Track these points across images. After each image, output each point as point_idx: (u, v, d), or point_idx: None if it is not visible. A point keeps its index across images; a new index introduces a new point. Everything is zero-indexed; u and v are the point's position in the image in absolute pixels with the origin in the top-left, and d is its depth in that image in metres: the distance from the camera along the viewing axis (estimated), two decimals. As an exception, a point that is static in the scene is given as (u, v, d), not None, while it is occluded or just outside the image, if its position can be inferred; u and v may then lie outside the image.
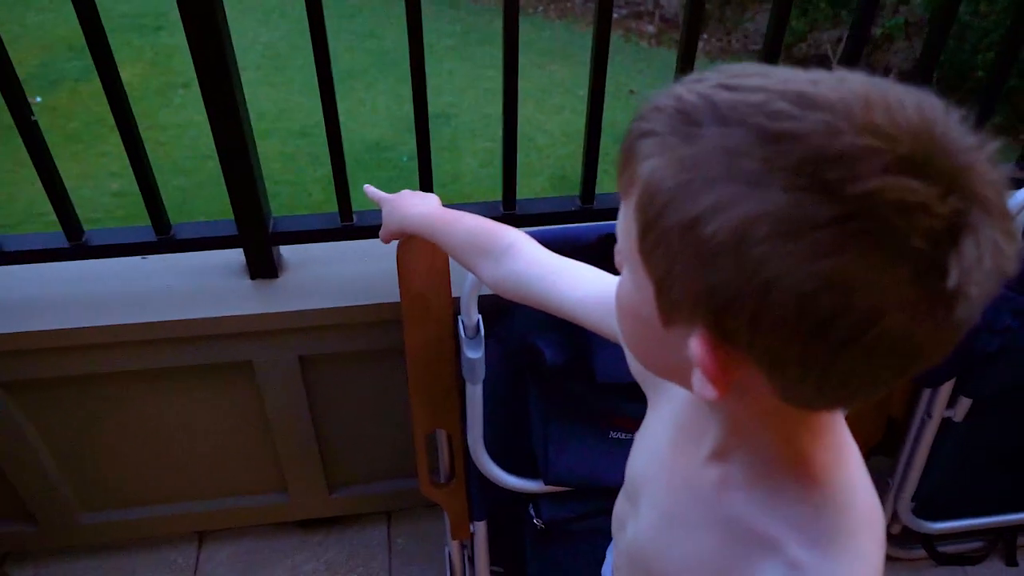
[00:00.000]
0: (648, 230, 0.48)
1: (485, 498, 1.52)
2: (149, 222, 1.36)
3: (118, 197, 4.68)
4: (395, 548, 1.79)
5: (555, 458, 1.45)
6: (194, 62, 1.17)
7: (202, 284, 1.43)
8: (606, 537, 1.16)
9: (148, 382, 1.50)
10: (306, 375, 1.52)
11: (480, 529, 1.55)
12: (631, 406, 1.44)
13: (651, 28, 6.54)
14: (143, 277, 1.43)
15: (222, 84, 1.20)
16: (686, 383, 0.54)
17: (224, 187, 1.32)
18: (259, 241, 1.40)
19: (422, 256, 1.34)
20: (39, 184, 1.30)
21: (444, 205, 1.16)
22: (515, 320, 1.39)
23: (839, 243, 0.42)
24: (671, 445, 0.71)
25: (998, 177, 0.44)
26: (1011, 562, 1.86)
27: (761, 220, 0.43)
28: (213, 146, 1.26)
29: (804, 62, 7.08)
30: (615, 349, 1.38)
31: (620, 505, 0.84)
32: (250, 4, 6.70)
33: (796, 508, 0.58)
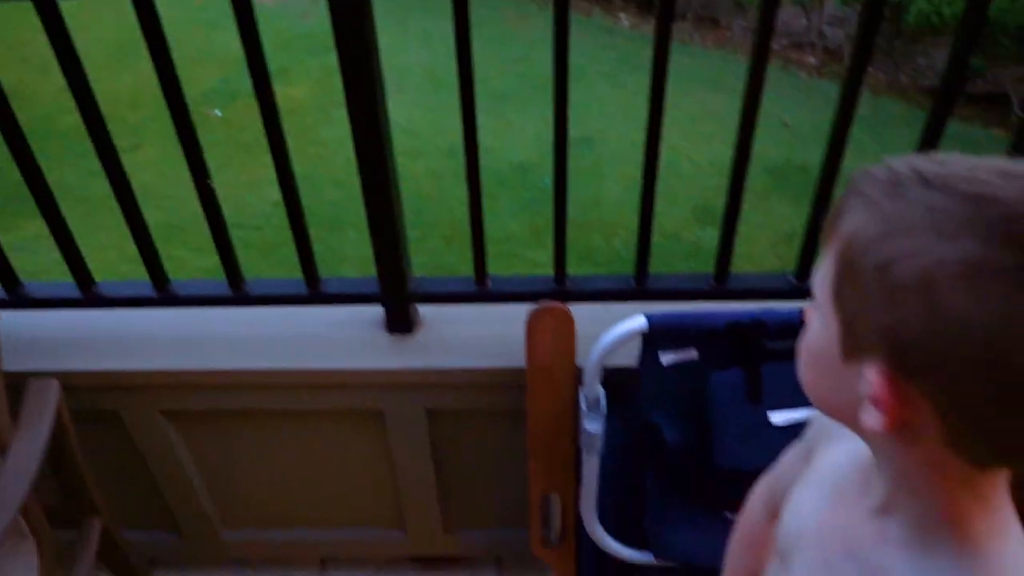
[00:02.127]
0: (843, 272, 0.56)
1: (594, 564, 1.54)
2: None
3: (277, 207, 5.02)
4: (504, 595, 1.84)
5: (667, 535, 1.45)
6: (357, 155, 1.25)
7: (344, 336, 1.53)
8: (714, 612, 1.15)
9: (288, 420, 1.61)
10: (432, 427, 1.58)
11: (588, 595, 1.57)
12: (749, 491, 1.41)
13: (812, 59, 6.30)
14: (294, 324, 1.55)
15: (377, 169, 1.29)
16: (854, 422, 0.59)
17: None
18: (399, 300, 1.48)
19: (550, 328, 1.38)
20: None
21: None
22: (638, 396, 1.40)
23: (1020, 287, 0.47)
24: (829, 503, 0.73)
25: None
26: None
27: (951, 264, 0.49)
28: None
29: (981, 100, 6.62)
30: (735, 435, 1.37)
31: (773, 571, 0.85)
32: (413, 28, 7.00)
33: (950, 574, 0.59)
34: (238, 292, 1.49)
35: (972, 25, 1.18)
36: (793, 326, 1.31)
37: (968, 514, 0.58)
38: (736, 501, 1.45)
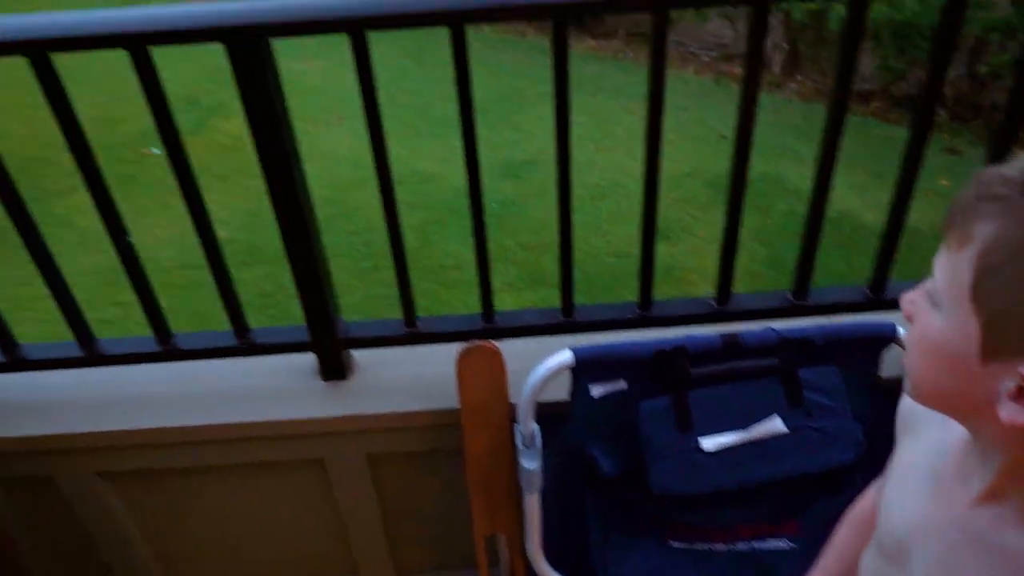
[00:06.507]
0: (987, 275, 0.58)
1: (544, 599, 1.54)
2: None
3: (225, 244, 4.95)
4: (460, 634, 1.83)
5: (615, 567, 1.46)
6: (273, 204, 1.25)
7: (278, 385, 1.52)
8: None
9: (228, 475, 1.59)
10: (374, 471, 1.58)
11: (539, 630, 1.57)
12: (688, 516, 1.44)
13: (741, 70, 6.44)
14: (226, 377, 1.53)
15: (293, 214, 1.29)
16: (970, 417, 0.65)
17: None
18: (329, 346, 1.48)
19: (481, 367, 1.39)
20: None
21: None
22: (572, 429, 1.42)
23: None
24: (932, 495, 0.76)
25: None
26: None
27: None
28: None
29: (902, 100, 6.83)
30: (669, 461, 1.38)
31: (875, 565, 0.86)
32: (350, 55, 6.97)
33: None
34: (167, 347, 1.47)
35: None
36: (714, 351, 1.34)
37: None
38: (678, 525, 1.48)
